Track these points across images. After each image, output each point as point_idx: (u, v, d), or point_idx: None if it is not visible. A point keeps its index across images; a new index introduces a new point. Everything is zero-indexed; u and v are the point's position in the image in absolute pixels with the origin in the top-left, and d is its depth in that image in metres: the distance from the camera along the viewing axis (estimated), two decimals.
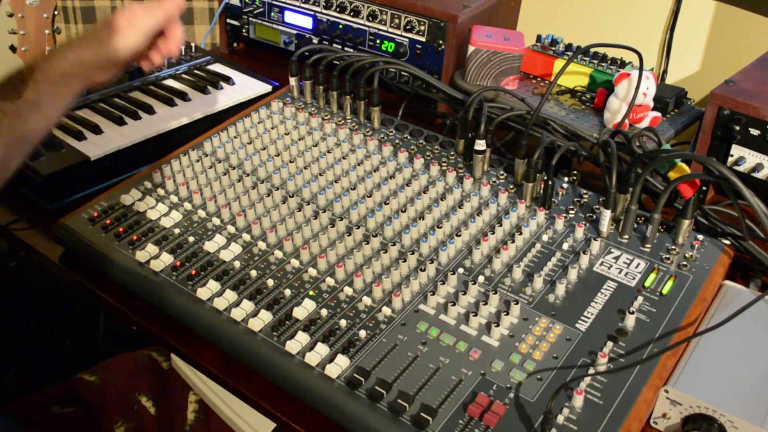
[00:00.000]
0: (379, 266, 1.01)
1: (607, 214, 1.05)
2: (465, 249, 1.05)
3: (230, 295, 0.98)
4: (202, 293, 0.99)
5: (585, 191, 1.15)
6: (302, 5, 1.65)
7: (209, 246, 1.07)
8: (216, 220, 1.11)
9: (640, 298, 0.96)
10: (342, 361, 0.88)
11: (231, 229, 1.10)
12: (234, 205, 1.14)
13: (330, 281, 1.00)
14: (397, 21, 1.53)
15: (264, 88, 1.54)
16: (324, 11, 1.62)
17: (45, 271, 1.14)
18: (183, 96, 1.48)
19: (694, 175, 1.06)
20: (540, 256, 1.04)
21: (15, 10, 1.69)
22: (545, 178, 1.10)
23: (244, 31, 1.77)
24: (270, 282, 1.00)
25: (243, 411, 1.22)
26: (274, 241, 1.07)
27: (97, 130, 1.34)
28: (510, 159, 1.23)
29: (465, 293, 0.96)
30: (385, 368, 0.87)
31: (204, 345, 0.97)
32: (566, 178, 1.18)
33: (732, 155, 1.18)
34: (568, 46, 1.57)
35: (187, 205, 1.15)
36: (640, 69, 1.29)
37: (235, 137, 1.31)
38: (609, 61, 1.49)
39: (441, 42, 1.49)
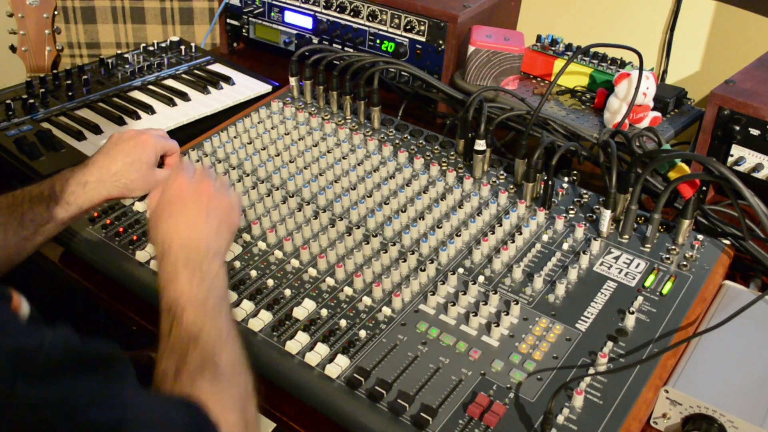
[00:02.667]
0: (379, 266, 1.01)
1: (607, 214, 1.05)
2: (465, 249, 1.05)
3: (230, 295, 0.98)
4: None
5: (585, 191, 1.15)
6: (302, 5, 1.65)
7: None
8: None
9: (640, 298, 0.96)
10: (342, 361, 0.88)
11: None
12: None
13: (330, 281, 1.00)
14: (397, 21, 1.53)
15: (264, 88, 1.54)
16: (324, 11, 1.62)
17: (45, 271, 1.14)
18: (183, 96, 1.48)
19: (694, 175, 1.06)
20: (540, 256, 1.04)
21: (15, 10, 1.69)
22: (545, 178, 1.10)
23: (244, 31, 1.77)
24: (270, 282, 1.00)
25: None
26: (274, 241, 1.07)
27: (97, 130, 1.34)
28: (510, 159, 1.23)
29: (465, 293, 0.96)
30: (385, 368, 0.87)
31: None
32: (566, 178, 1.18)
33: (732, 155, 1.18)
34: (568, 46, 1.57)
35: None
36: (640, 69, 1.29)
37: (235, 137, 1.31)
38: (609, 61, 1.49)
39: (441, 42, 1.49)
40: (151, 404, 0.67)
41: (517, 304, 0.94)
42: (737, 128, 1.14)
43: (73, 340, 0.65)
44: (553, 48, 1.56)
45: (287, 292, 0.99)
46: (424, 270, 1.00)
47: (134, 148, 1.07)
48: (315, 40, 1.66)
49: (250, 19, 1.75)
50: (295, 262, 1.03)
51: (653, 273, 1.00)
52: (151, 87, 1.51)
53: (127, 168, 1.05)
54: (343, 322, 0.94)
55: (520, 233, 1.06)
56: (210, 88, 1.52)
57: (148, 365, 1.29)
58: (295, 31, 1.69)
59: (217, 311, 0.82)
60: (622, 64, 1.48)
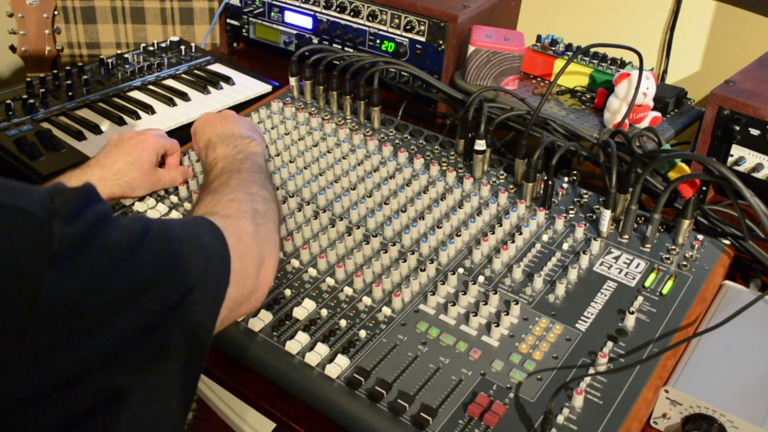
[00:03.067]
0: (379, 266, 1.01)
1: (607, 214, 1.05)
2: (465, 249, 1.05)
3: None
4: None
5: (585, 191, 1.15)
6: (302, 5, 1.65)
7: None
8: None
9: (640, 298, 0.96)
10: (342, 361, 0.88)
11: None
12: None
13: (330, 281, 1.00)
14: (397, 21, 1.53)
15: (264, 88, 1.54)
16: (324, 11, 1.62)
17: None
18: (183, 96, 1.48)
19: (694, 175, 1.06)
20: (540, 256, 1.04)
21: (15, 10, 1.69)
22: (545, 178, 1.10)
23: (244, 31, 1.77)
24: None
25: (243, 411, 1.22)
26: None
27: (97, 130, 1.34)
28: (510, 159, 1.23)
29: (465, 293, 0.96)
30: (385, 368, 0.87)
31: None
32: (566, 178, 1.18)
33: (732, 155, 1.18)
34: (568, 46, 1.57)
35: (187, 205, 1.15)
36: (640, 69, 1.29)
37: None
38: (609, 61, 1.49)
39: (441, 42, 1.49)
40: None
41: (517, 304, 0.94)
42: (737, 128, 1.14)
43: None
44: (553, 48, 1.56)
45: (287, 292, 0.99)
46: (424, 270, 1.00)
47: (135, 147, 1.09)
48: (315, 40, 1.66)
49: (250, 19, 1.75)
50: (295, 262, 1.03)
51: (653, 273, 1.00)
52: (151, 87, 1.51)
53: (129, 166, 1.07)
54: (343, 322, 0.94)
55: (520, 233, 1.06)
56: (210, 88, 1.52)
57: None
58: (295, 31, 1.69)
59: (250, 169, 0.98)
60: (622, 64, 1.48)
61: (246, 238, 0.80)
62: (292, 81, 1.41)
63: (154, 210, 1.13)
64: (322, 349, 0.89)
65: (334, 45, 1.63)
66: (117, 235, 0.61)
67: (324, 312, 0.95)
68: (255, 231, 0.83)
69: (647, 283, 0.98)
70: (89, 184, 0.64)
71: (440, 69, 1.51)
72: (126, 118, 1.38)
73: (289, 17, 1.69)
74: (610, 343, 0.89)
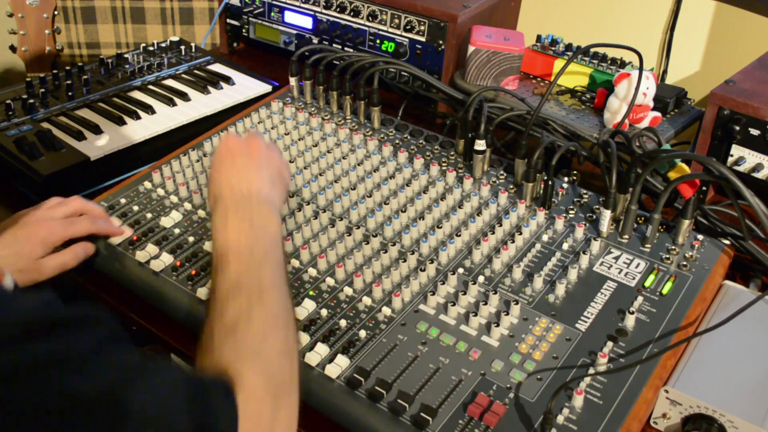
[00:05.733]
0: (379, 266, 1.01)
1: (607, 214, 1.05)
2: (465, 249, 1.05)
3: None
4: (202, 293, 0.99)
5: (585, 191, 1.15)
6: (302, 5, 1.65)
7: (209, 246, 1.07)
8: None
9: (640, 298, 0.96)
10: (342, 361, 0.88)
11: None
12: None
13: (330, 281, 1.00)
14: (397, 21, 1.53)
15: (264, 88, 1.54)
16: (324, 11, 1.62)
17: None
18: (183, 96, 1.48)
19: (694, 175, 1.06)
20: (540, 256, 1.04)
21: (15, 10, 1.69)
22: (545, 178, 1.10)
23: (244, 31, 1.77)
24: None
25: None
26: None
27: (97, 130, 1.34)
28: (510, 159, 1.23)
29: (465, 293, 0.96)
30: (385, 368, 0.87)
31: None
32: (566, 178, 1.18)
33: (732, 155, 1.18)
34: (568, 46, 1.57)
35: (187, 205, 1.15)
36: (640, 69, 1.29)
37: None
38: (609, 61, 1.49)
39: (441, 42, 1.49)
40: (148, 373, 0.64)
41: (517, 304, 0.94)
42: (737, 128, 1.14)
43: (53, 302, 0.62)
44: (553, 48, 1.56)
45: None
46: (424, 270, 1.00)
47: (16, 241, 1.00)
48: (315, 40, 1.66)
49: (250, 19, 1.75)
50: (295, 262, 1.03)
51: (653, 273, 1.00)
52: (151, 87, 1.51)
53: (5, 260, 0.97)
54: (343, 322, 0.94)
55: (520, 233, 1.06)
56: (210, 88, 1.51)
57: None
58: (295, 31, 1.69)
59: (263, 260, 0.83)
60: (622, 64, 1.48)
61: (266, 415, 0.70)
62: (292, 81, 1.41)
63: (154, 210, 1.14)
64: (322, 349, 0.89)
65: (334, 45, 1.63)
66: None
67: (324, 312, 0.95)
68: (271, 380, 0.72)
69: (647, 283, 0.98)
70: None
71: (440, 69, 1.51)
72: (126, 118, 1.38)
73: (289, 17, 1.69)
74: (610, 343, 0.89)
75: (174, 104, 1.45)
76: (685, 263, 1.01)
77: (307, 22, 1.66)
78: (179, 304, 0.99)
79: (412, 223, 1.08)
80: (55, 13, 1.74)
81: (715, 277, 1.00)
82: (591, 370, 0.86)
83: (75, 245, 1.05)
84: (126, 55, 1.62)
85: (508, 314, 0.92)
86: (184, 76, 1.57)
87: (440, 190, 1.16)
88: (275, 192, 0.93)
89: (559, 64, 1.52)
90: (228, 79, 1.55)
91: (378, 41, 1.57)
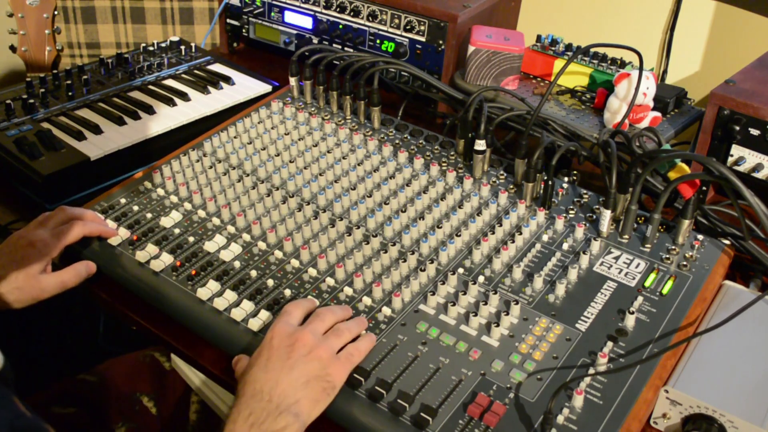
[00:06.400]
0: (379, 266, 1.01)
1: (607, 214, 1.05)
2: (465, 249, 1.05)
3: (230, 295, 0.98)
4: (202, 293, 0.99)
5: (585, 191, 1.15)
6: (302, 5, 1.65)
7: (209, 246, 1.07)
8: (216, 220, 1.11)
9: (640, 298, 0.96)
10: None
11: (231, 229, 1.10)
12: (234, 205, 1.14)
13: (330, 281, 1.00)
14: (397, 21, 1.53)
15: (264, 88, 1.54)
16: (324, 11, 1.62)
17: None
18: (183, 96, 1.48)
19: (694, 175, 1.06)
20: (540, 256, 1.04)
21: (15, 10, 1.69)
22: (545, 178, 1.10)
23: (244, 31, 1.77)
24: (270, 282, 1.00)
25: None
26: (274, 241, 1.07)
27: (97, 130, 1.34)
28: (510, 159, 1.23)
29: (465, 293, 0.96)
30: (385, 368, 0.87)
31: (204, 345, 0.97)
32: (566, 178, 1.18)
33: (732, 155, 1.18)
34: (568, 46, 1.57)
35: (187, 205, 1.15)
36: (640, 69, 1.29)
37: (235, 137, 1.31)
38: (609, 61, 1.49)
39: (441, 42, 1.49)
40: None
41: (517, 304, 0.94)
42: (737, 128, 1.14)
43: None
44: (553, 48, 1.56)
45: (287, 292, 0.99)
46: (424, 270, 1.00)
47: (12, 260, 1.00)
48: (315, 40, 1.66)
49: (250, 19, 1.75)
50: (295, 262, 1.03)
51: (653, 273, 1.00)
52: (151, 87, 1.51)
53: (3, 279, 0.98)
54: None
55: (520, 233, 1.06)
56: (210, 88, 1.52)
57: (150, 365, 1.29)
58: (295, 31, 1.69)
59: None
60: (622, 64, 1.48)
61: None
62: (292, 81, 1.41)
63: (154, 210, 1.14)
64: None
65: (334, 45, 1.63)
66: None
67: None
68: None
69: (647, 283, 0.98)
70: None
71: (440, 69, 1.51)
72: (126, 118, 1.38)
73: (289, 17, 1.69)
74: (610, 343, 0.89)
75: (174, 104, 1.45)
76: (685, 263, 1.01)
77: (307, 22, 1.66)
78: (179, 304, 0.99)
79: (412, 223, 1.08)
80: (55, 13, 1.74)
81: (715, 277, 1.00)
82: (591, 370, 0.86)
83: (77, 264, 1.04)
84: (126, 55, 1.62)
85: (508, 314, 0.92)
86: (184, 76, 1.57)
87: (440, 190, 1.16)
88: (306, 395, 0.83)
89: (559, 64, 1.52)
90: (228, 79, 1.55)
91: (378, 41, 1.57)
